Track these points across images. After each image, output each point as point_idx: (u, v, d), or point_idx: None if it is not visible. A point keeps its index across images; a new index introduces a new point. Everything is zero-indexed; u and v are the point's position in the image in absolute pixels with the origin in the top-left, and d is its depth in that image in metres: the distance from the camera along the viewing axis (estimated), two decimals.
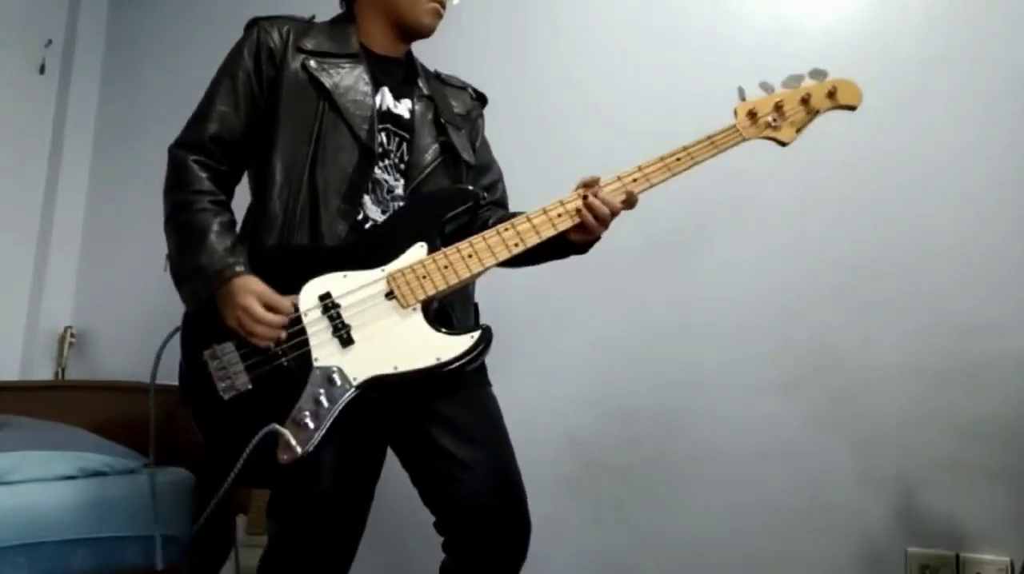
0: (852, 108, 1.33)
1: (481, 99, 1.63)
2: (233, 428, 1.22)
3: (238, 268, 1.26)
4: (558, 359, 2.14)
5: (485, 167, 1.57)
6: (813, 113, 1.33)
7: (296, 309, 1.25)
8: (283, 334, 1.24)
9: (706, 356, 1.98)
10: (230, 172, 1.40)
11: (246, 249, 1.31)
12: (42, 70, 3.13)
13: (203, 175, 1.33)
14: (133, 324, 2.85)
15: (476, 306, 1.49)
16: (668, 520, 1.96)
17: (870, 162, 1.86)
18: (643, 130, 2.13)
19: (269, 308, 1.23)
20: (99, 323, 3.01)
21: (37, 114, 3.13)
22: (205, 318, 1.28)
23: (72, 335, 2.98)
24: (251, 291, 1.24)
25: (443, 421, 1.33)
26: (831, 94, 1.32)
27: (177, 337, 1.33)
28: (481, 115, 1.62)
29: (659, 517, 1.97)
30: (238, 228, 1.38)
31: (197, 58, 2.96)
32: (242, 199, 1.41)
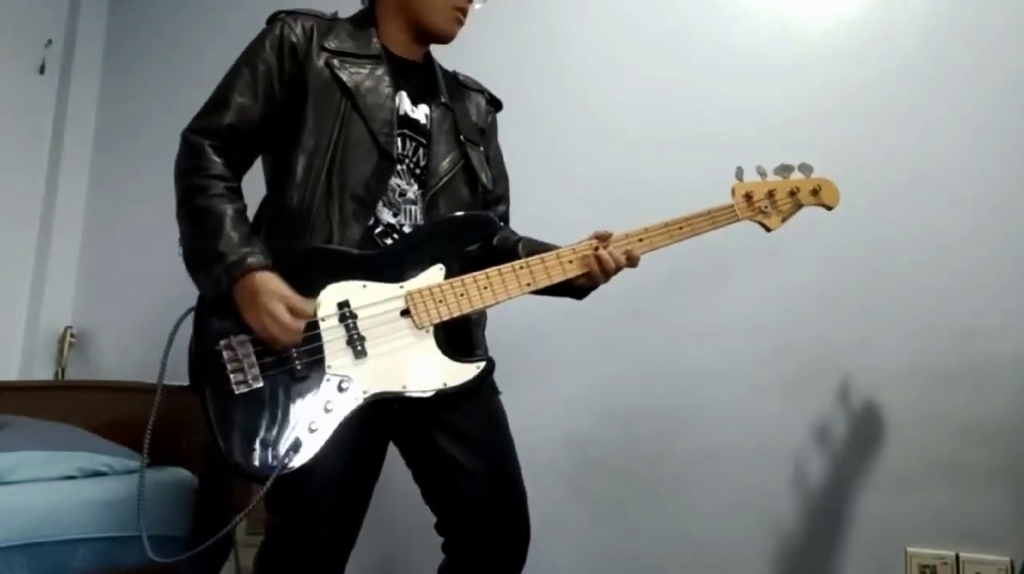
0: (829, 208, 1.50)
1: (495, 103, 1.64)
2: (240, 421, 1.22)
3: (258, 258, 1.24)
4: (559, 360, 2.14)
5: (496, 177, 1.58)
6: (798, 206, 1.48)
7: (316, 314, 1.26)
8: (299, 338, 1.24)
9: (706, 357, 1.97)
10: (243, 160, 1.40)
11: (261, 241, 1.30)
12: (42, 70, 3.13)
13: (219, 160, 1.32)
14: (133, 324, 2.85)
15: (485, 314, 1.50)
16: (668, 520, 1.96)
17: (870, 163, 1.86)
18: (641, 134, 2.15)
19: (293, 312, 1.22)
20: (99, 323, 3.01)
21: (37, 114, 3.14)
22: (222, 305, 1.26)
23: (72, 335, 2.98)
24: (277, 294, 1.22)
25: (448, 428, 1.35)
26: (815, 191, 1.48)
27: (183, 329, 1.31)
28: (495, 121, 1.62)
29: (659, 517, 1.97)
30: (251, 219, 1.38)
31: (197, 58, 2.98)
32: (251, 193, 1.40)
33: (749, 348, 1.93)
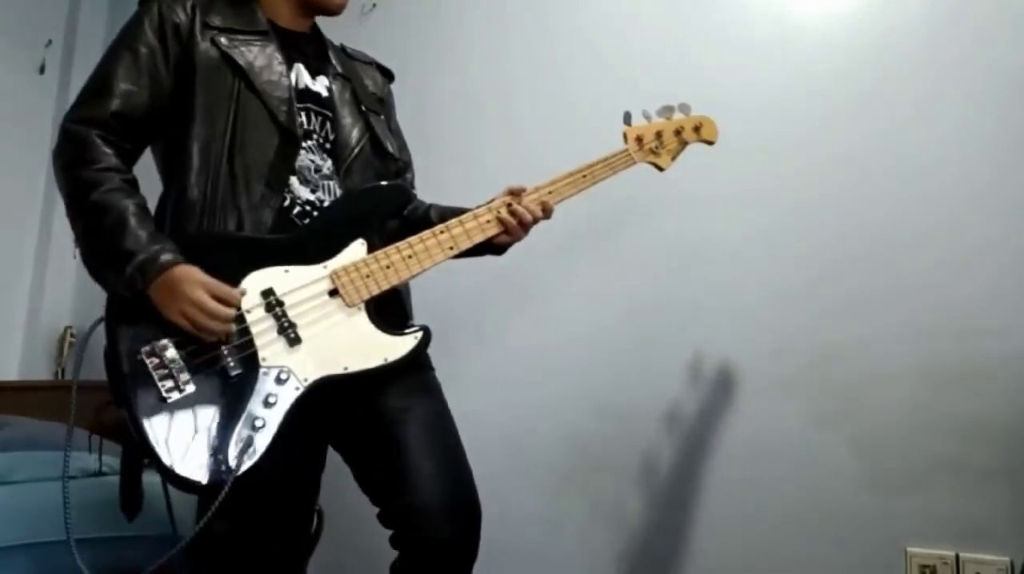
0: (711, 143, 1.60)
1: (388, 75, 1.62)
2: (179, 430, 1.15)
3: (171, 255, 1.17)
4: (558, 359, 2.13)
5: (400, 147, 1.57)
6: (683, 144, 1.57)
7: (242, 299, 1.21)
8: (233, 327, 1.18)
9: (706, 355, 1.97)
10: (132, 151, 1.31)
11: (168, 236, 1.22)
12: (42, 70, 3.13)
13: (109, 151, 1.24)
14: None
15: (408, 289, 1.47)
16: (668, 520, 1.96)
17: (871, 162, 1.86)
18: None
19: (219, 300, 1.16)
20: None
21: (37, 114, 3.13)
22: (134, 308, 1.18)
23: (72, 335, 2.98)
24: (198, 282, 1.16)
25: (386, 410, 1.29)
26: (697, 128, 1.58)
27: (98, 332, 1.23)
28: (391, 92, 1.60)
29: (659, 517, 1.97)
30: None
31: None
32: (147, 186, 1.33)
33: (749, 348, 1.93)
